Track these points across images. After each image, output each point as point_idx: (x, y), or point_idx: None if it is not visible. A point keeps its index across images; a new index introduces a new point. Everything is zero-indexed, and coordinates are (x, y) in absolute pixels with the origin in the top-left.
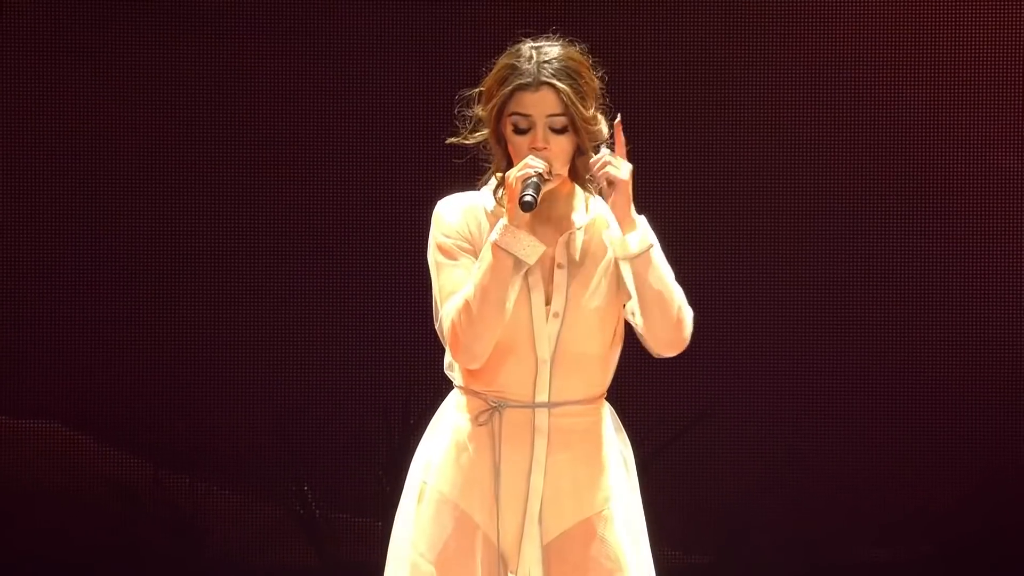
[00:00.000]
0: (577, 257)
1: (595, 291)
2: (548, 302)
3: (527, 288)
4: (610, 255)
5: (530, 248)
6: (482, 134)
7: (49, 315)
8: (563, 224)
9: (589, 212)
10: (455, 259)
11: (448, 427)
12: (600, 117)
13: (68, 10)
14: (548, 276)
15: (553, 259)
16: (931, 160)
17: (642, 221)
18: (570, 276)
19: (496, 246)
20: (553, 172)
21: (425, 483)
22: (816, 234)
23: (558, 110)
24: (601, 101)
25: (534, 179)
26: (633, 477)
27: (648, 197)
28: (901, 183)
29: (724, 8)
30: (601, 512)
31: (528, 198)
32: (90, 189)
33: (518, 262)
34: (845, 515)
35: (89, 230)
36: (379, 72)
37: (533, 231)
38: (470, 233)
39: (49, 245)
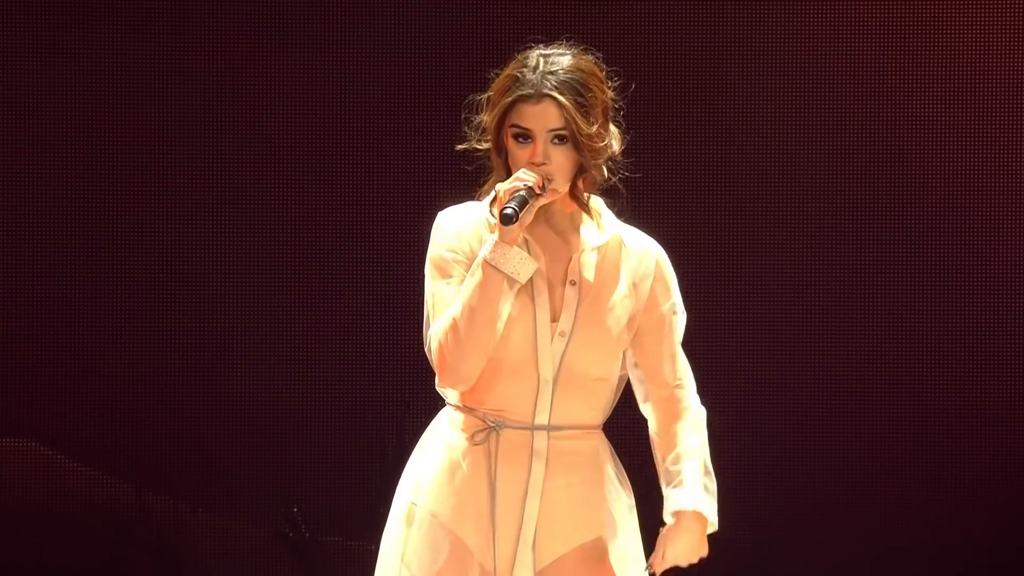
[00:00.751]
0: (591, 277)
1: (606, 314)
2: (555, 319)
3: (532, 304)
4: (625, 279)
5: (521, 265)
6: (486, 147)
7: (28, 331)
8: (574, 241)
9: (604, 232)
10: (450, 275)
11: (440, 445)
12: (613, 130)
13: (55, 11)
14: (557, 293)
15: (565, 276)
16: (946, 165)
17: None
18: (582, 295)
19: (486, 263)
20: (548, 187)
21: (415, 504)
22: (821, 255)
23: (559, 124)
24: (613, 114)
25: (522, 192)
26: (631, 507)
27: (655, 210)
28: (910, 190)
29: (736, 17)
30: (596, 539)
31: (509, 211)
32: (72, 203)
33: (510, 280)
34: (855, 540)
35: (71, 246)
36: (382, 80)
37: (543, 246)
38: (470, 248)
39: (29, 260)
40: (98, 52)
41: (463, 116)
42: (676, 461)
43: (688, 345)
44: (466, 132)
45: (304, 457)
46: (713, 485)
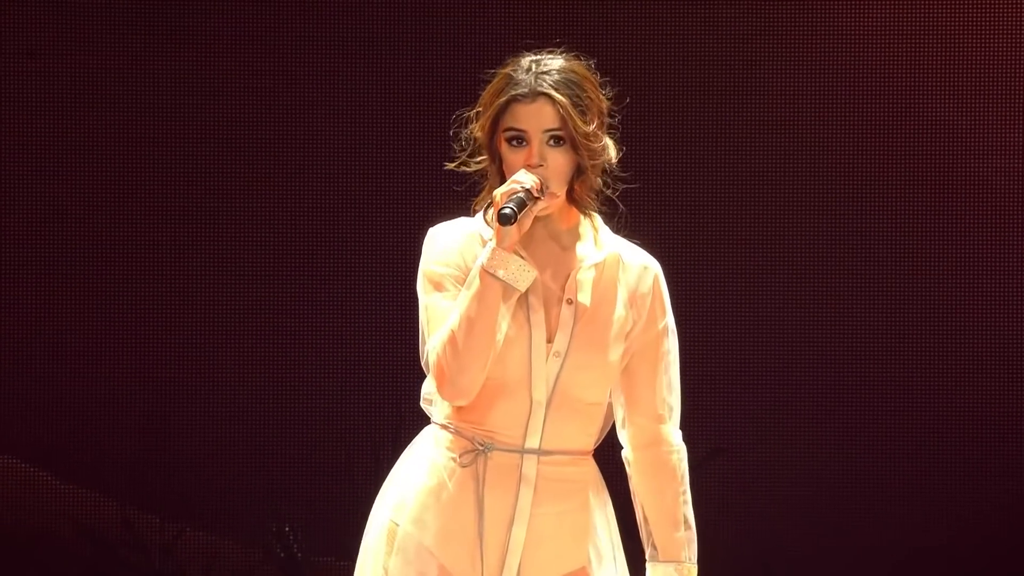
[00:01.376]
0: (589, 296)
1: (603, 335)
2: (550, 339)
3: (528, 323)
4: (622, 297)
5: (520, 272)
6: (484, 159)
7: (9, 345)
8: (571, 258)
9: (602, 248)
10: (444, 289)
11: (424, 464)
12: (608, 141)
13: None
14: (553, 312)
15: (562, 294)
16: (961, 181)
17: None
18: (578, 315)
19: (484, 271)
20: (546, 190)
21: (396, 524)
22: (833, 267)
23: (555, 124)
24: (608, 120)
25: (520, 194)
26: (616, 537)
27: (664, 231)
28: (925, 207)
29: (733, 21)
30: (580, 570)
31: (507, 211)
32: (55, 216)
33: (508, 289)
34: (871, 556)
35: (50, 255)
36: (375, 92)
37: (539, 263)
38: (464, 262)
39: (9, 274)
40: (82, 54)
41: (451, 132)
42: (660, 527)
43: (696, 351)
44: (455, 149)
45: (296, 475)
46: (694, 544)
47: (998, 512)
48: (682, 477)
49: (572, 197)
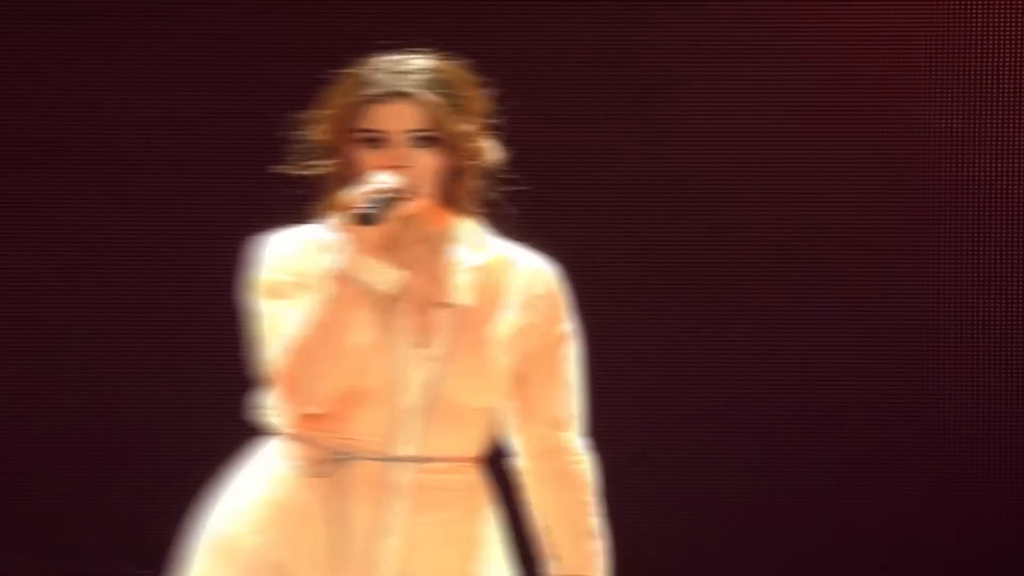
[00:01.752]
0: (470, 299)
1: (489, 339)
2: (423, 345)
3: (394, 328)
4: (512, 301)
5: (381, 275)
6: (323, 165)
7: None
8: (446, 261)
9: (484, 251)
10: (288, 297)
11: (262, 479)
12: (487, 141)
13: None
14: (426, 318)
15: (435, 297)
16: (954, 177)
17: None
18: (459, 319)
19: (338, 273)
20: (412, 192)
21: (230, 538)
22: (762, 258)
23: (419, 124)
24: (489, 121)
25: (379, 196)
26: (505, 547)
27: (568, 231)
28: (870, 193)
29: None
30: None
31: (365, 212)
32: None
33: (369, 291)
34: (806, 571)
35: None
36: (199, 96)
37: (405, 266)
38: (305, 269)
39: None
40: None
41: (287, 134)
42: (564, 539)
43: (669, 348)
44: (290, 153)
45: (114, 486)
46: (604, 556)
47: (1007, 515)
48: (587, 486)
49: (447, 199)
